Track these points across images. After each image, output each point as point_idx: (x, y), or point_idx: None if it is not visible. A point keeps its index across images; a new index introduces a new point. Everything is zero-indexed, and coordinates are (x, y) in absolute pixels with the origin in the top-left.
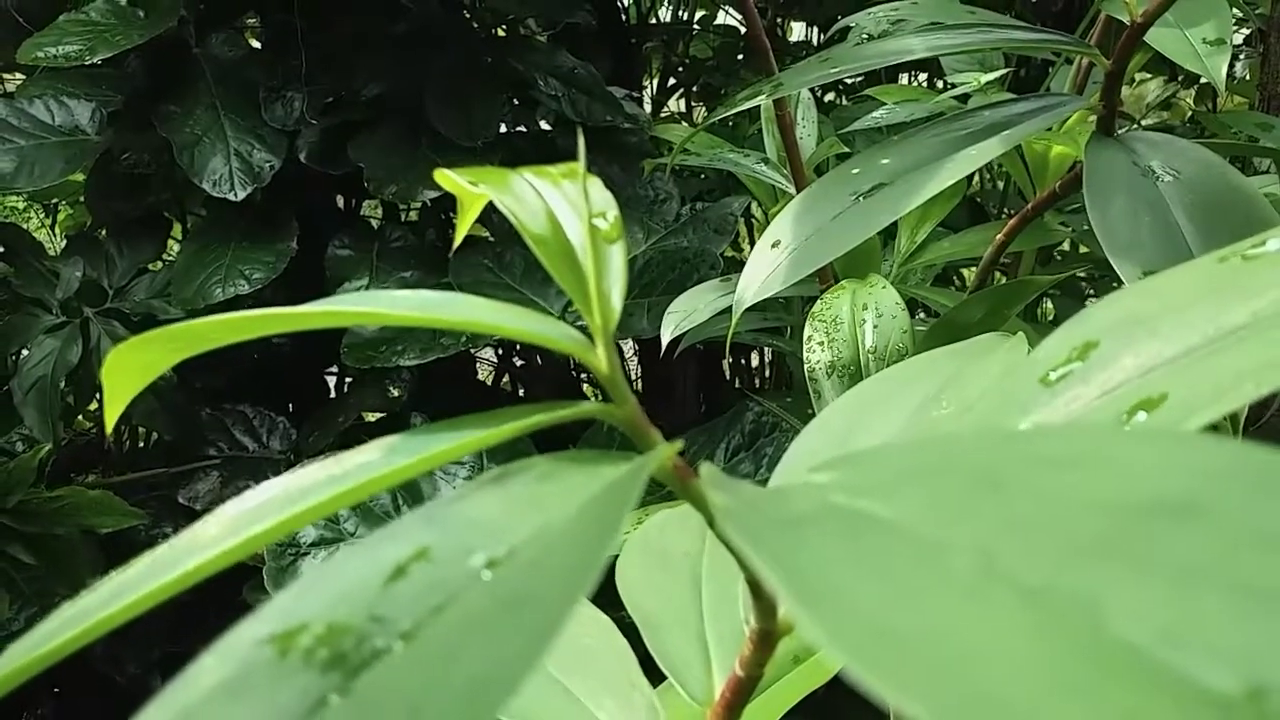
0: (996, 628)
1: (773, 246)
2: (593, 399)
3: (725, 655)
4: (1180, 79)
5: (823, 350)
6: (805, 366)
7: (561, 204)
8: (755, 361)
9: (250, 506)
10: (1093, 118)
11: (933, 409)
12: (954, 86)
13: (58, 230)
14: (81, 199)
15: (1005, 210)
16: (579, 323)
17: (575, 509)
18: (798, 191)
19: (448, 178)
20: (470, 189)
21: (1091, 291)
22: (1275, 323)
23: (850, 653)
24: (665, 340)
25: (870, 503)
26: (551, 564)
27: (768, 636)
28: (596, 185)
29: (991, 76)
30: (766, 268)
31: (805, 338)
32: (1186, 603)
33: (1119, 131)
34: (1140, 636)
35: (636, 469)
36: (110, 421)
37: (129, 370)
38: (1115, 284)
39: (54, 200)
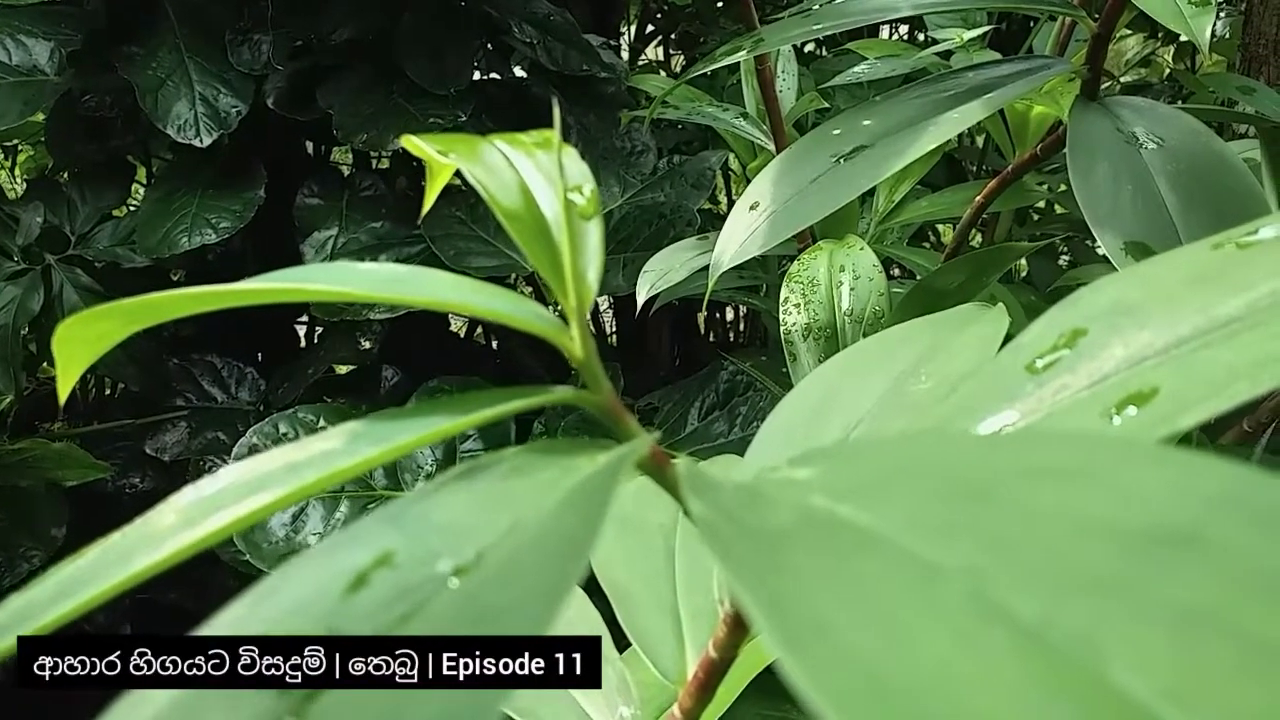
0: (992, 678)
1: (751, 208)
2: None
3: (698, 631)
4: (1160, 36)
5: (799, 312)
6: (781, 328)
7: (535, 176)
8: (730, 316)
9: (207, 495)
10: (1073, 77)
11: (911, 383)
12: (936, 41)
13: (17, 173)
14: (42, 139)
15: (984, 167)
16: None
17: (550, 508)
18: (777, 147)
19: (415, 144)
20: (439, 158)
21: (1065, 250)
22: (1270, 316)
23: (837, 709)
24: (641, 300)
25: (853, 509)
26: (524, 573)
27: (742, 620)
28: (572, 156)
29: (974, 33)
30: (744, 230)
31: (782, 299)
32: (1192, 654)
33: (1102, 94)
34: (1145, 693)
35: (613, 464)
36: (64, 392)
37: (81, 341)
38: (1089, 242)
39: (14, 142)
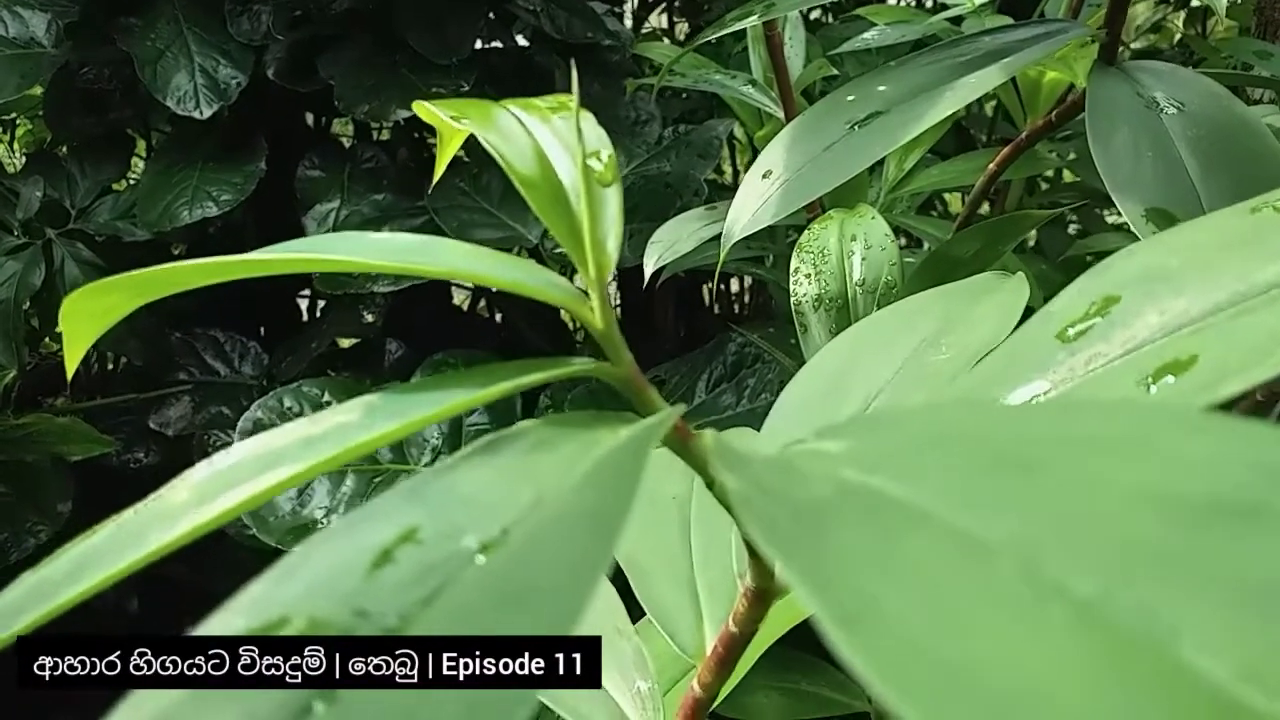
0: (1054, 657)
1: (763, 177)
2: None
3: (715, 606)
4: (1172, 1)
5: (810, 283)
6: (792, 299)
7: (552, 142)
8: (736, 287)
9: (221, 469)
10: (1090, 41)
11: (930, 354)
12: (946, 6)
13: (16, 146)
14: (40, 113)
15: (993, 135)
16: (557, 249)
17: (573, 484)
18: (786, 115)
19: (427, 110)
20: (452, 124)
21: (1074, 219)
22: None
23: (903, 694)
24: (649, 272)
25: (886, 480)
26: (552, 551)
27: (763, 595)
28: (590, 121)
29: None
30: (757, 199)
31: (792, 269)
32: (1265, 631)
33: (1120, 59)
34: (1222, 674)
35: (640, 439)
36: (71, 366)
37: (89, 315)
38: (1098, 210)
39: (12, 115)
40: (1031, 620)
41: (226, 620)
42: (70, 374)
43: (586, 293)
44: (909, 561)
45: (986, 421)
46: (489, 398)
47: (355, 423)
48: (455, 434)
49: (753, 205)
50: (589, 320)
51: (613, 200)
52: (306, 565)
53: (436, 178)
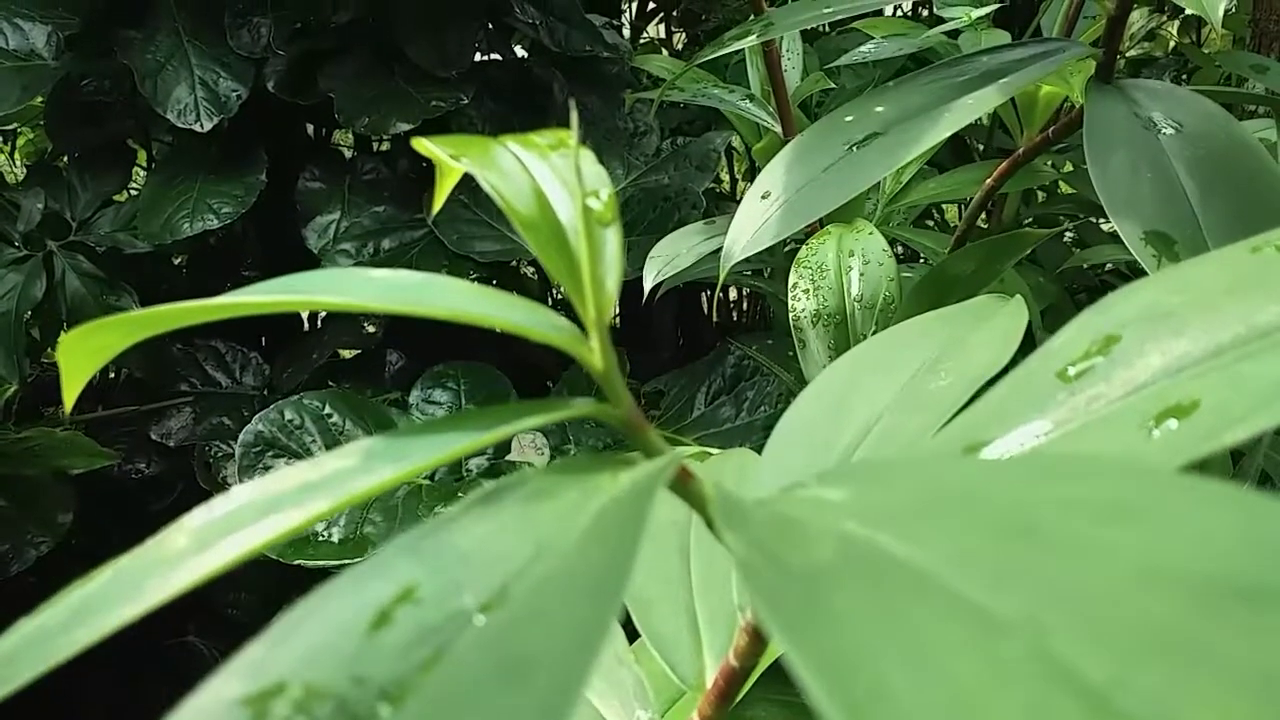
0: None
1: (763, 198)
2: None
3: (715, 635)
4: (1166, 10)
5: (808, 298)
6: (790, 314)
7: (550, 180)
8: (734, 295)
9: (219, 516)
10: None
11: (930, 380)
12: (943, 21)
13: (17, 157)
14: (42, 123)
15: (990, 145)
16: None
17: (575, 537)
18: (783, 129)
19: (426, 147)
20: (450, 162)
21: (1070, 229)
22: None
23: None
24: (648, 287)
25: (889, 538)
26: (553, 608)
27: (763, 632)
28: (589, 159)
29: (982, 11)
30: (756, 220)
31: (790, 285)
32: None
33: (1116, 77)
34: None
35: (641, 488)
36: (69, 401)
37: (85, 352)
38: (1092, 220)
39: (13, 126)
40: (1045, 710)
41: (223, 685)
42: (68, 407)
43: (586, 331)
44: (918, 638)
45: (992, 478)
46: (490, 442)
47: (355, 468)
48: None
49: (752, 226)
50: (589, 362)
51: (612, 240)
52: (305, 627)
53: (436, 208)
